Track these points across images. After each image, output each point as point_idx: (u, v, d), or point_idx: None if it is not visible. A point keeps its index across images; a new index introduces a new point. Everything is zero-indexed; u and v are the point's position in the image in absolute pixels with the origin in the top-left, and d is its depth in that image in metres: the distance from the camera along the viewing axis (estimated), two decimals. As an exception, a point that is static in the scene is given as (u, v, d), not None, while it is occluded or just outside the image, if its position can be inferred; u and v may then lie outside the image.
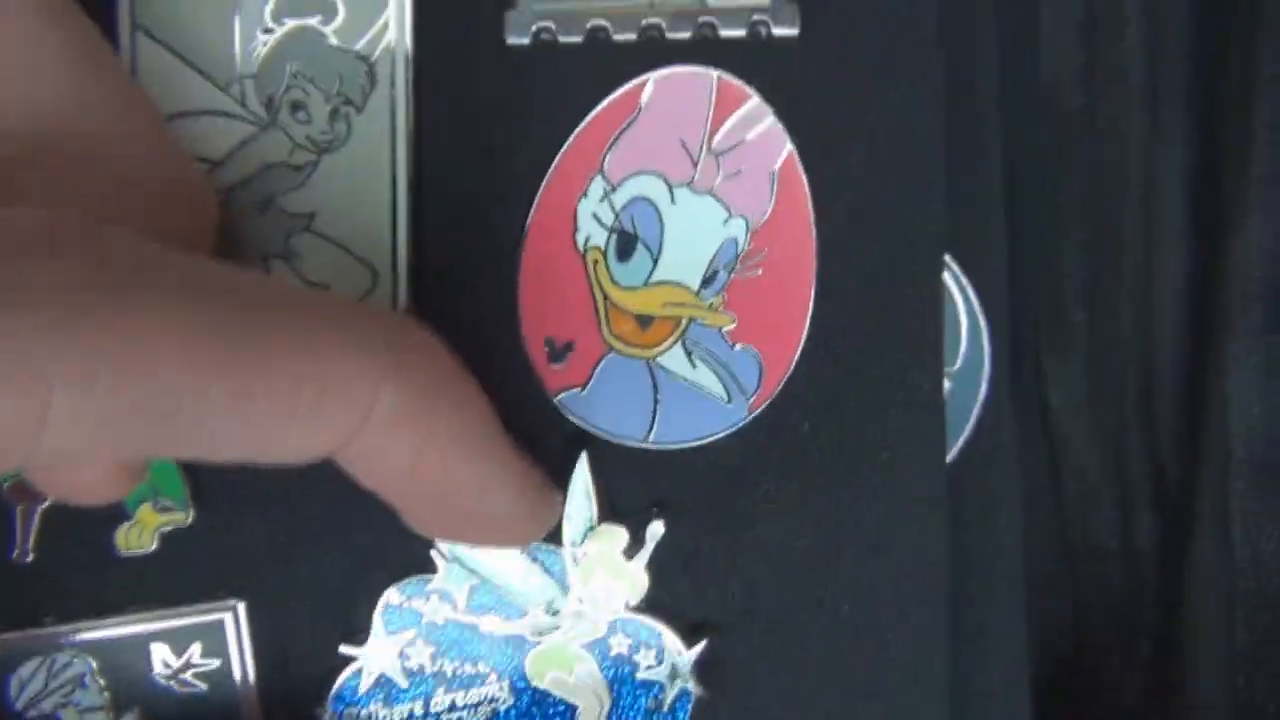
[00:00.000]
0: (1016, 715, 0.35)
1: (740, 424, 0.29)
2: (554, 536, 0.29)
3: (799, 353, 0.29)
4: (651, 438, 0.29)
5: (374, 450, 0.23)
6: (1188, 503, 0.36)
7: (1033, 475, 0.37)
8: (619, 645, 0.29)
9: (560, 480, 0.29)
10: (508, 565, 0.29)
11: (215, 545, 0.28)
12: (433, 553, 0.29)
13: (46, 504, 0.29)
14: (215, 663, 0.29)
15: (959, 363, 0.33)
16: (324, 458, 0.23)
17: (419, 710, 0.29)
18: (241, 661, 0.29)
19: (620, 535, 0.29)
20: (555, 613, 0.29)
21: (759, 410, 0.29)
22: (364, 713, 0.29)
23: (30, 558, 0.28)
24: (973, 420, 0.34)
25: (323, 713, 0.29)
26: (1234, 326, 0.33)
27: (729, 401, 0.29)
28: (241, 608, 0.29)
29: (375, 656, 0.29)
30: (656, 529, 0.29)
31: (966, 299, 0.33)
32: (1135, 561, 0.37)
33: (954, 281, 0.33)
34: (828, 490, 0.29)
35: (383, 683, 0.29)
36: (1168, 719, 0.36)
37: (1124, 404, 0.36)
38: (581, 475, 0.28)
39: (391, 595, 0.29)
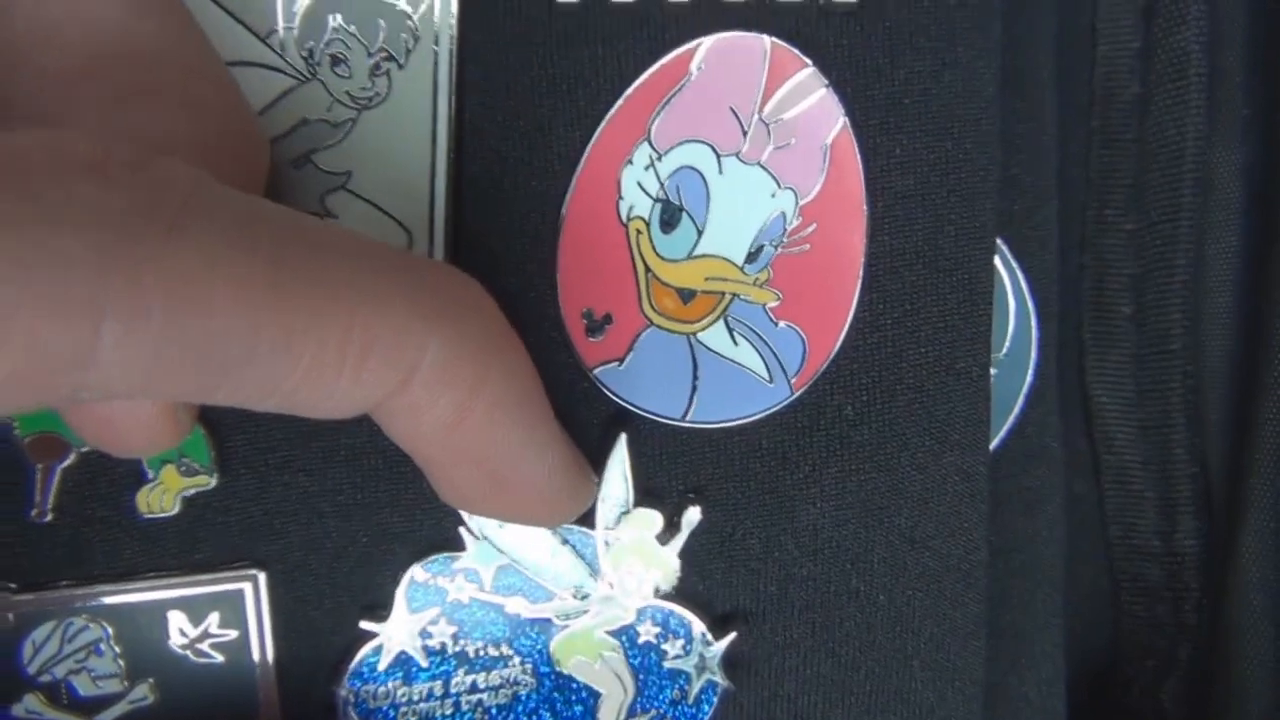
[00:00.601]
0: (1052, 716, 0.34)
1: (781, 405, 0.28)
2: (586, 519, 0.28)
3: (844, 333, 0.28)
4: (690, 416, 0.28)
5: (418, 404, 0.22)
6: (1234, 502, 0.34)
7: (1073, 474, 0.36)
8: (647, 633, 0.28)
9: (595, 459, 0.28)
10: (537, 546, 0.28)
11: (239, 512, 0.27)
12: (461, 530, 0.28)
13: (68, 462, 0.28)
14: (233, 634, 0.28)
15: (1005, 349, 0.32)
16: (366, 410, 0.22)
17: (439, 690, 0.28)
18: (260, 634, 0.28)
19: (655, 520, 0.28)
20: (584, 597, 0.28)
21: (801, 391, 0.28)
22: (382, 690, 0.28)
23: (49, 518, 0.27)
24: (1017, 410, 0.32)
25: (340, 689, 0.28)
26: None
27: (770, 381, 0.28)
28: (262, 578, 0.28)
29: (396, 634, 0.28)
30: (693, 516, 0.28)
31: (1016, 284, 0.32)
32: (1177, 564, 0.36)
33: (1004, 266, 0.32)
34: (868, 477, 0.28)
35: (402, 661, 0.28)
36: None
37: (1169, 402, 0.35)
38: (619, 456, 0.27)
39: (416, 572, 0.28)
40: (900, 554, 0.29)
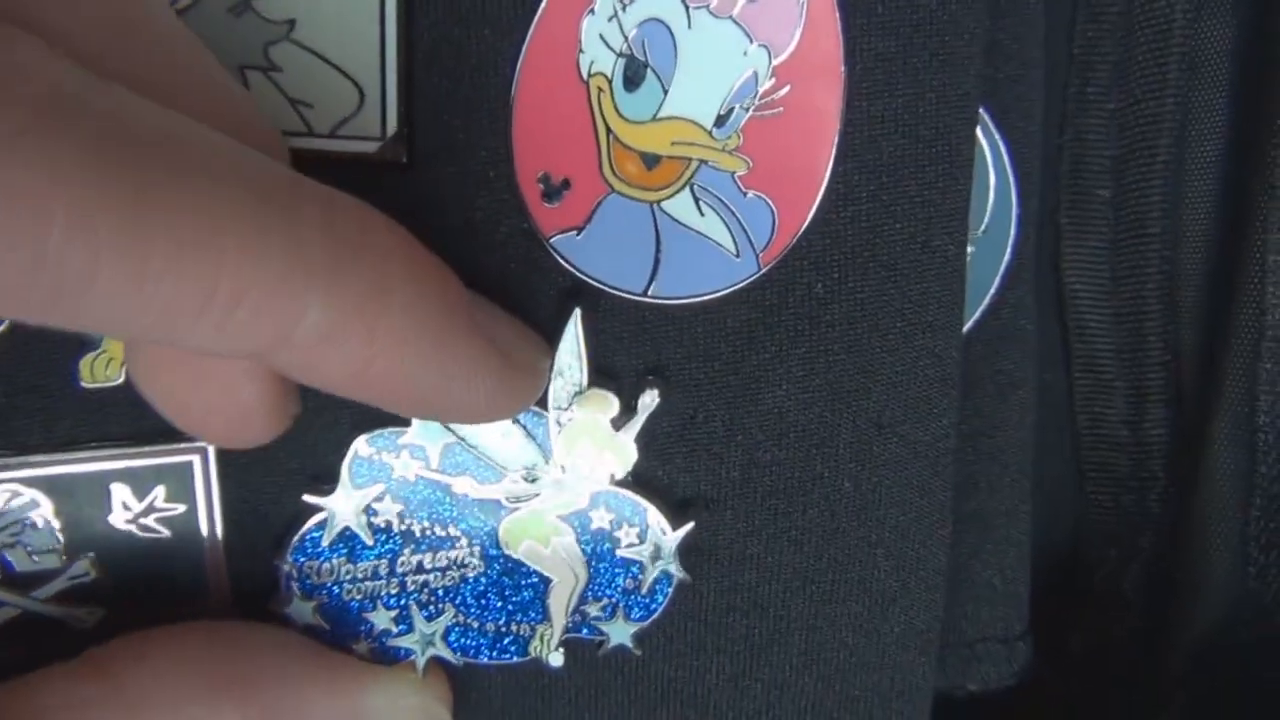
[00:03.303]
0: (1015, 606, 0.32)
1: (748, 280, 0.26)
2: (539, 398, 0.25)
3: (816, 205, 0.25)
4: (651, 291, 0.26)
5: (306, 362, 0.19)
6: (1206, 391, 0.32)
7: (1042, 361, 0.34)
8: (600, 519, 0.26)
9: (550, 333, 0.25)
10: (486, 426, 0.25)
11: None
12: None
13: (3, 326, 0.25)
14: (180, 508, 0.26)
15: (984, 226, 0.30)
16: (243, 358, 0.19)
17: (384, 569, 0.26)
18: (209, 507, 0.26)
19: (610, 402, 0.25)
20: (534, 480, 0.26)
21: (769, 266, 0.26)
22: (325, 566, 0.26)
23: None
24: (993, 290, 0.30)
25: (283, 563, 0.26)
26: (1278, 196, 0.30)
27: (737, 255, 0.25)
28: (211, 450, 0.26)
29: (340, 509, 0.26)
30: (650, 399, 0.26)
31: (997, 156, 0.29)
32: (1144, 453, 0.34)
33: (985, 136, 0.29)
34: (837, 359, 0.26)
35: (347, 538, 0.26)
36: (1166, 611, 0.33)
37: (1145, 288, 0.33)
38: (572, 334, 0.25)
39: (360, 445, 0.25)
40: (867, 439, 0.26)
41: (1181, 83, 0.31)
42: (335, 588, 0.26)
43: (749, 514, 0.26)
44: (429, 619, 0.26)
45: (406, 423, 0.26)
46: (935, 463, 0.27)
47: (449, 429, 0.25)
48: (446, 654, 0.27)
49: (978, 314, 0.30)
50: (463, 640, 0.27)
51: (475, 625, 0.27)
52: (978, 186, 0.28)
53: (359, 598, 0.26)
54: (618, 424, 0.25)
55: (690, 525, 0.26)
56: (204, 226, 0.17)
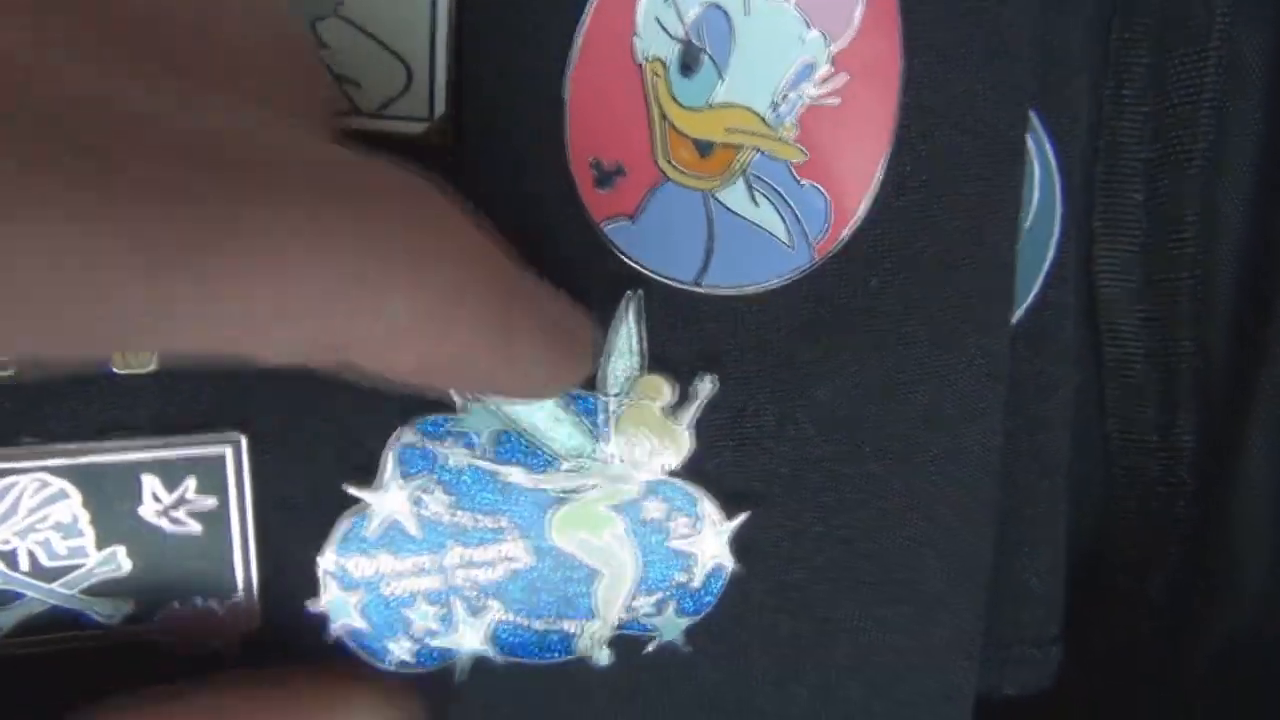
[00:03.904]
0: (1051, 609, 0.32)
1: (802, 271, 0.25)
2: (591, 382, 0.25)
3: (871, 196, 0.25)
4: (704, 281, 0.25)
5: (374, 355, 0.18)
6: (1239, 397, 0.32)
7: (1074, 364, 0.33)
8: (653, 510, 0.25)
9: (601, 322, 0.25)
10: (538, 411, 0.24)
11: (221, 370, 0.24)
12: (451, 390, 0.24)
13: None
14: (211, 501, 0.25)
15: (1028, 224, 0.29)
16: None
17: (429, 565, 0.25)
18: (240, 501, 0.25)
19: (664, 389, 0.25)
20: (586, 469, 0.25)
21: (823, 258, 0.25)
22: (367, 562, 0.25)
23: (10, 370, 0.24)
24: (1036, 289, 0.30)
25: (322, 559, 0.25)
26: None
27: (791, 246, 0.25)
28: (244, 441, 0.25)
29: (386, 500, 0.25)
30: (706, 387, 0.25)
31: (1043, 156, 0.29)
32: (1173, 459, 0.33)
33: (1032, 137, 0.29)
34: (889, 352, 0.25)
35: (392, 531, 0.25)
36: (1191, 614, 0.33)
37: (1177, 293, 0.32)
38: (628, 319, 0.24)
39: (407, 433, 0.24)
40: (918, 436, 0.26)
41: (1218, 87, 0.31)
42: (377, 583, 0.25)
43: (798, 511, 0.26)
44: (474, 616, 0.25)
45: (452, 408, 0.24)
46: (983, 461, 0.26)
47: (499, 415, 0.24)
48: (492, 652, 0.26)
49: (1021, 313, 0.30)
50: (509, 638, 0.26)
51: (523, 623, 0.25)
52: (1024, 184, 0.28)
53: (401, 594, 0.25)
54: (672, 411, 0.24)
55: (745, 515, 0.25)
56: (287, 232, 0.16)
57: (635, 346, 0.24)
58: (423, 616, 0.25)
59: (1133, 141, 0.32)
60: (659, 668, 0.27)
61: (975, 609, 0.27)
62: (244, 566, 0.26)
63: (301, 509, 0.25)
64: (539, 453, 0.25)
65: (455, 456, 0.25)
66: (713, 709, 0.27)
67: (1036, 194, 0.29)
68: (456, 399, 0.25)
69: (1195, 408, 0.33)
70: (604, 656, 0.26)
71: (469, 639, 0.25)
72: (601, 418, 0.25)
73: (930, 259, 0.25)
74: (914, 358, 0.25)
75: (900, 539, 0.26)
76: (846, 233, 0.25)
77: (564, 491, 0.25)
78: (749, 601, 0.26)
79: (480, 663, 0.26)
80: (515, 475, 0.25)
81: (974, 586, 0.27)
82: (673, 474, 0.25)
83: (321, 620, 0.25)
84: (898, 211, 0.25)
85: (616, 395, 0.24)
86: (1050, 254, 0.30)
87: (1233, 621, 0.32)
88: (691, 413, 0.25)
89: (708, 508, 0.25)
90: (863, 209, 0.25)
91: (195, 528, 0.25)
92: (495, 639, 0.25)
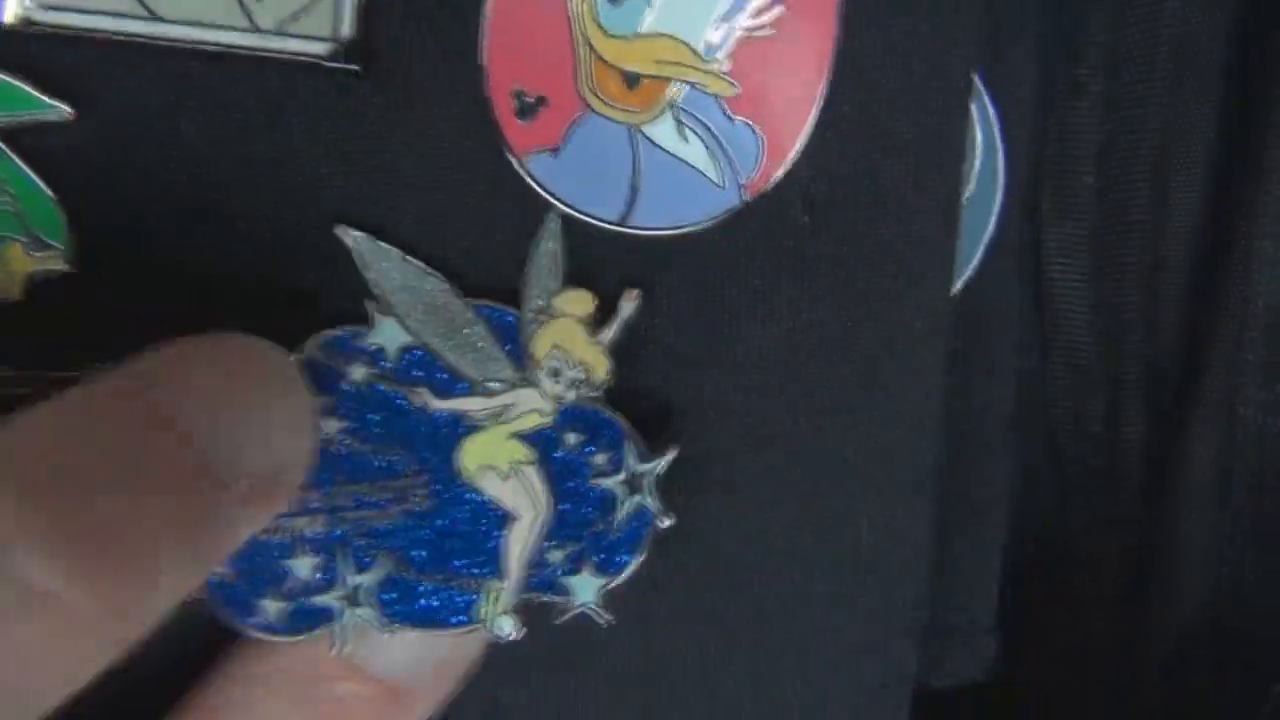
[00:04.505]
0: (984, 598, 0.30)
1: (731, 211, 0.23)
2: (510, 299, 0.23)
3: (805, 135, 0.23)
4: (630, 220, 0.23)
5: None
6: (1185, 386, 0.31)
7: (1020, 350, 0.32)
8: (569, 440, 0.23)
9: (518, 261, 0.23)
10: (446, 326, 0.22)
11: (98, 303, 0.22)
12: (368, 303, 0.22)
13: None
14: None
15: (969, 191, 0.28)
16: None
17: (313, 500, 0.22)
18: None
19: (585, 301, 0.23)
20: (498, 390, 0.23)
21: (753, 197, 0.23)
22: None
23: None
24: (976, 260, 0.28)
25: None
26: (1270, 179, 0.28)
27: (721, 185, 0.23)
28: None
29: None
30: (629, 304, 0.23)
31: (985, 119, 0.27)
32: (1120, 448, 0.32)
33: (975, 101, 0.27)
34: (824, 299, 0.24)
35: None
36: (1143, 609, 0.31)
37: (1126, 279, 0.31)
38: (549, 237, 0.22)
39: (312, 348, 0.22)
40: (855, 394, 0.24)
41: (1171, 67, 0.30)
42: None
43: (726, 470, 0.24)
44: (359, 569, 0.22)
45: (365, 319, 0.22)
46: (922, 424, 0.25)
47: (408, 329, 0.22)
48: (374, 616, 0.22)
49: (958, 286, 0.28)
50: (398, 599, 0.22)
51: (413, 576, 0.22)
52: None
53: (280, 536, 0.22)
54: (593, 328, 0.23)
55: (673, 453, 0.23)
56: None
57: (556, 265, 0.22)
58: (301, 568, 0.22)
59: (1083, 123, 0.31)
60: (571, 644, 0.24)
61: (914, 586, 0.25)
62: None
63: None
64: (448, 372, 0.23)
65: (356, 373, 0.22)
66: (625, 696, 0.25)
67: (978, 161, 0.28)
68: (370, 309, 0.22)
69: (1142, 396, 0.31)
70: (508, 627, 0.23)
71: (350, 599, 0.22)
72: (517, 335, 0.23)
73: (868, 201, 0.23)
74: (850, 307, 0.24)
75: (837, 508, 0.24)
76: (779, 172, 0.23)
77: (475, 416, 0.23)
78: (672, 565, 0.24)
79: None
80: (422, 396, 0.22)
81: (912, 562, 0.25)
82: (593, 400, 0.23)
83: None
84: (833, 151, 0.23)
85: (534, 312, 0.22)
86: (991, 225, 0.28)
87: (1185, 620, 0.31)
88: (613, 330, 0.23)
89: (630, 441, 0.23)
90: (797, 148, 0.23)
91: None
92: (381, 600, 0.22)
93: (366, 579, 0.22)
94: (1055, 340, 0.32)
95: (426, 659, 0.23)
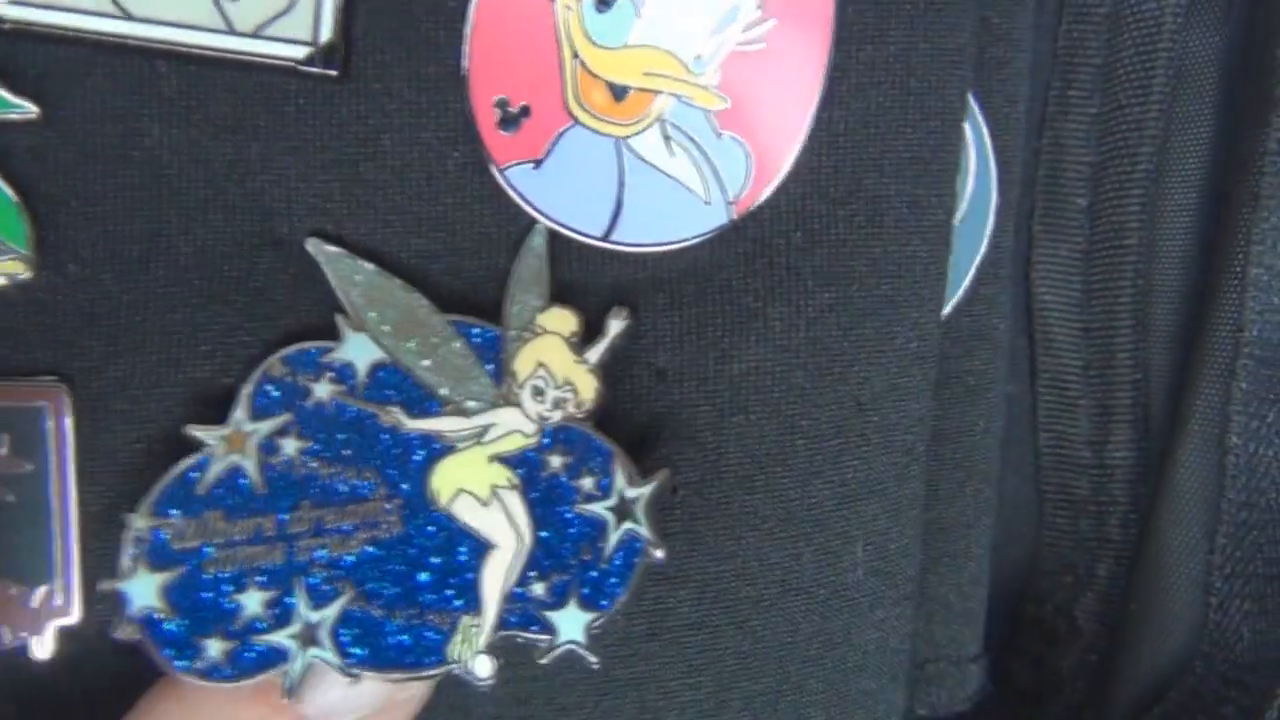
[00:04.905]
0: (971, 625, 0.29)
1: (720, 230, 0.23)
2: (492, 316, 0.22)
3: (796, 152, 0.22)
4: (614, 235, 0.22)
5: None
6: (1174, 413, 0.30)
7: (1008, 373, 0.31)
8: (554, 463, 0.21)
9: (499, 273, 0.22)
10: (426, 342, 0.21)
11: (55, 310, 0.21)
12: (338, 318, 0.21)
13: None
14: (28, 468, 0.21)
15: (961, 213, 0.27)
16: None
17: (268, 528, 0.21)
18: (61, 467, 0.21)
19: (570, 319, 0.22)
20: (475, 410, 0.22)
21: (741, 216, 0.23)
22: (192, 526, 0.20)
23: None
24: (967, 283, 0.28)
25: (135, 519, 0.20)
26: (1265, 206, 0.28)
27: (707, 201, 0.22)
28: (65, 397, 0.21)
29: (230, 441, 0.21)
30: (617, 324, 0.22)
31: (980, 141, 0.27)
32: (1106, 476, 0.31)
33: (969, 121, 0.27)
34: (818, 319, 0.23)
35: (229, 483, 0.21)
36: (1117, 644, 0.31)
37: (1117, 303, 0.31)
38: (532, 253, 0.21)
39: (274, 365, 0.21)
40: (848, 417, 0.23)
41: (1167, 89, 0.30)
42: (199, 557, 0.20)
43: (718, 494, 0.23)
44: (318, 604, 0.20)
45: (335, 334, 0.21)
46: (911, 450, 0.24)
47: (381, 345, 0.21)
48: (332, 657, 0.20)
49: (949, 308, 0.28)
50: (359, 636, 0.20)
51: (379, 614, 0.20)
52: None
53: (228, 571, 0.20)
54: (580, 348, 0.22)
55: (664, 474, 0.21)
56: None
57: (540, 280, 0.21)
58: (250, 603, 0.20)
59: (1077, 144, 0.30)
60: (554, 688, 0.23)
61: (903, 617, 0.25)
62: (63, 543, 0.22)
63: (138, 473, 0.22)
64: (423, 391, 0.21)
65: (321, 390, 0.21)
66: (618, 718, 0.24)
67: (971, 183, 0.27)
68: (340, 324, 0.21)
69: (1130, 422, 0.31)
70: (483, 667, 0.21)
71: (305, 638, 0.20)
72: (498, 352, 0.21)
73: (861, 219, 0.22)
74: (844, 327, 0.23)
75: (830, 534, 0.23)
76: (768, 191, 0.22)
77: (451, 437, 0.21)
78: (663, 599, 0.23)
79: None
80: (393, 416, 0.21)
81: (903, 592, 0.24)
82: (579, 421, 0.22)
83: (120, 605, 0.20)
84: (826, 168, 0.22)
85: (516, 329, 0.21)
86: (983, 248, 0.28)
87: (1161, 655, 0.30)
88: (601, 349, 0.22)
89: (621, 462, 0.21)
90: (788, 165, 0.22)
91: (9, 499, 0.22)
92: (339, 639, 0.20)
93: (326, 614, 0.20)
94: (1043, 365, 0.32)
95: (372, 699, 0.21)
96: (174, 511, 0.20)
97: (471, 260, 0.22)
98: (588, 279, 0.22)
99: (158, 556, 0.20)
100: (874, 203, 0.23)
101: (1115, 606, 0.31)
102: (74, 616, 0.21)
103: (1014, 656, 0.32)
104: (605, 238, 0.22)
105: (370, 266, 0.21)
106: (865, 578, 0.23)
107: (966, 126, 0.27)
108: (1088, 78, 0.30)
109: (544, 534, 0.21)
